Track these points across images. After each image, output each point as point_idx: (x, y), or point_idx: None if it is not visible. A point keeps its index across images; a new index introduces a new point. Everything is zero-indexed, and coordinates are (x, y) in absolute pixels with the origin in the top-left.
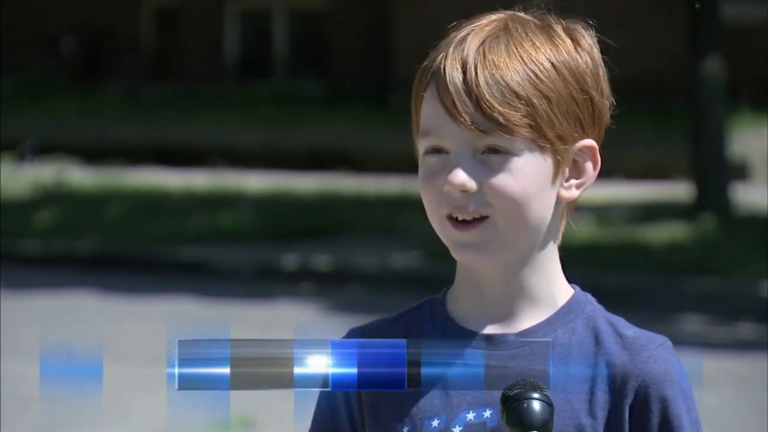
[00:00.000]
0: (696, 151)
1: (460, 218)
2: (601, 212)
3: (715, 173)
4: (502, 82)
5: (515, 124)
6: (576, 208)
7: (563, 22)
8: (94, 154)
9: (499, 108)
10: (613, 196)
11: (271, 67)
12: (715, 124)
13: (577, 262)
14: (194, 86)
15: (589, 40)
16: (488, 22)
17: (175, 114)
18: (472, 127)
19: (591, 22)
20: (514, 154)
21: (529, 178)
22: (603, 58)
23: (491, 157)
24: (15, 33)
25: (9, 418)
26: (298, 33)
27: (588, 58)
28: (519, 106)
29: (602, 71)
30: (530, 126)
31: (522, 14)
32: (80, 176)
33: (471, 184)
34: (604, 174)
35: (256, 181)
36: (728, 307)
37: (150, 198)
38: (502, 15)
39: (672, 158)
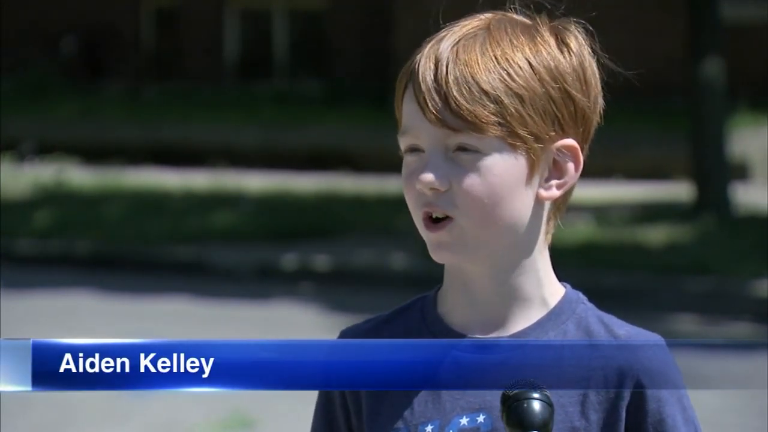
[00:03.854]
0: (696, 151)
1: (434, 216)
2: (601, 212)
3: (715, 173)
4: (471, 80)
5: (483, 122)
6: (576, 208)
7: (554, 22)
8: (93, 154)
9: (467, 106)
10: (613, 196)
11: (270, 67)
12: (715, 124)
13: (577, 262)
14: (194, 86)
15: (577, 41)
16: (471, 21)
17: (175, 114)
18: (442, 125)
19: (585, 23)
20: (484, 153)
21: (498, 177)
22: (600, 61)
23: (461, 155)
24: (15, 33)
25: (9, 418)
26: (298, 33)
27: (573, 59)
28: (487, 104)
29: (591, 73)
30: (500, 124)
31: (512, 14)
32: (80, 176)
33: (439, 183)
34: (604, 174)
35: (255, 181)
36: (728, 307)
37: (149, 198)
38: (490, 15)
39: (672, 158)
